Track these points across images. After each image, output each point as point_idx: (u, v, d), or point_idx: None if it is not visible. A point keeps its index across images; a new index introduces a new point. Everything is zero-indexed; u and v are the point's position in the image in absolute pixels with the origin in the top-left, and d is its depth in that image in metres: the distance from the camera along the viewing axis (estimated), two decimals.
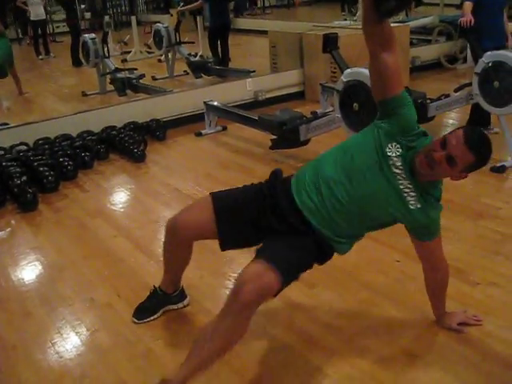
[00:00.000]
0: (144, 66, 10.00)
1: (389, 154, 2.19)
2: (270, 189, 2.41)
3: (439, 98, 4.87)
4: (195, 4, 9.33)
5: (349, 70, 4.01)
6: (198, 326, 2.73)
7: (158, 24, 9.27)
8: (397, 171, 2.19)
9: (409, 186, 2.19)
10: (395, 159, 2.19)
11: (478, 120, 4.99)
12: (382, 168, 2.19)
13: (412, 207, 2.21)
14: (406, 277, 3.03)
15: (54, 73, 11.35)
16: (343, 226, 2.28)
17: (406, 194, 2.20)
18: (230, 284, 2.87)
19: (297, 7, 20.03)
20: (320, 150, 4.70)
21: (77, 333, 2.76)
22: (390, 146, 2.20)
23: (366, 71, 3.75)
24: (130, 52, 10.79)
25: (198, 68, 8.45)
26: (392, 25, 2.21)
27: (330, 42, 4.40)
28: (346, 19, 11.26)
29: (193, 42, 9.43)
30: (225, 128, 6.02)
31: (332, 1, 16.85)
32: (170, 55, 9.13)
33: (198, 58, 8.55)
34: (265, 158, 5.09)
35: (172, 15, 10.96)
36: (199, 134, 5.93)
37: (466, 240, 3.41)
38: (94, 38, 8.10)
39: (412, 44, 8.30)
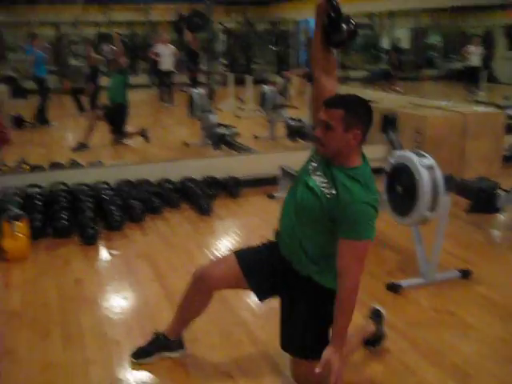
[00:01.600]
0: (254, 123, 10.47)
1: (311, 163, 2.52)
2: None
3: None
4: (299, 70, 9.66)
5: (397, 153, 4.07)
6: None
7: (265, 86, 9.67)
8: (311, 169, 2.49)
9: (324, 180, 2.41)
10: (313, 164, 2.51)
11: None
12: (306, 181, 2.49)
13: (328, 196, 2.37)
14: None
15: (169, 120, 12.10)
16: (309, 248, 2.51)
17: (321, 186, 2.42)
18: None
19: (424, 81, 19.94)
20: (382, 229, 4.81)
21: None
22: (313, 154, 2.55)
23: (413, 156, 3.82)
24: (243, 109, 11.35)
25: (294, 132, 8.69)
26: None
27: (388, 122, 4.48)
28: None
29: (296, 107, 9.73)
30: None
31: (459, 79, 16.67)
32: (273, 117, 9.47)
33: (295, 123, 8.80)
34: None
35: (283, 78, 11.37)
36: (271, 197, 6.12)
37: (485, 341, 3.30)
38: (200, 93, 8.65)
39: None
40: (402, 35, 15.63)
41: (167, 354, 3.01)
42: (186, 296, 2.87)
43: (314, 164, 2.51)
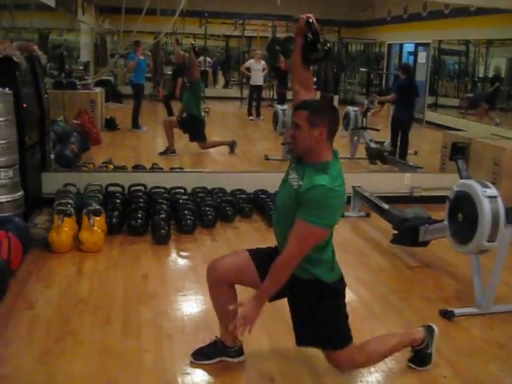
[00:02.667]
0: (336, 144, 10.44)
1: (290, 165, 2.76)
2: None
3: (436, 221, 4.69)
4: (388, 97, 9.68)
5: (461, 181, 4.09)
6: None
7: (349, 107, 9.75)
8: (290, 172, 2.72)
9: (295, 176, 2.64)
10: (292, 165, 2.74)
11: None
12: (285, 180, 2.75)
13: (296, 187, 2.60)
14: None
15: (254, 134, 12.34)
16: None
17: (291, 181, 2.65)
18: None
19: None
20: (445, 256, 4.79)
21: None
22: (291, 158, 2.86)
23: (477, 185, 3.84)
24: None
25: (374, 155, 8.72)
26: None
27: (457, 151, 4.48)
28: None
29: (378, 130, 9.73)
30: (368, 215, 6.20)
31: None
32: (354, 138, 9.53)
33: (375, 145, 8.83)
34: (386, 250, 5.21)
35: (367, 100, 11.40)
36: (341, 216, 6.18)
37: None
38: (286, 109, 8.87)
39: None
40: (499, 64, 15.25)
41: (227, 359, 3.13)
42: (211, 298, 3.07)
43: (292, 165, 2.75)
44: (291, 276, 2.65)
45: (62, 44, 13.34)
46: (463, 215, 3.92)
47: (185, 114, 9.09)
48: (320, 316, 2.76)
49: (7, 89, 4.75)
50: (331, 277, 2.75)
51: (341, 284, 2.83)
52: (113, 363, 3.10)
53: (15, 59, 5.02)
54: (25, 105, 5.12)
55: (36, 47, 6.03)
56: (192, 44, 8.80)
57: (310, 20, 2.75)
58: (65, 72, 12.17)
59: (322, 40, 2.78)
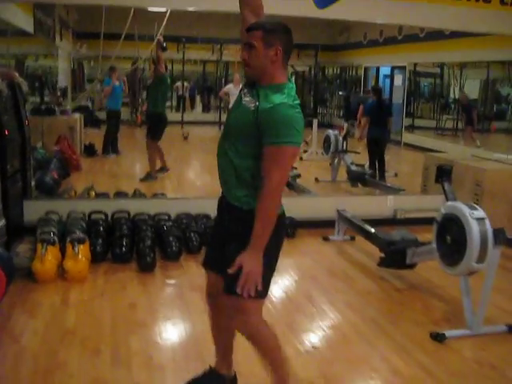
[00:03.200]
0: (316, 166, 10.59)
1: (242, 91, 2.64)
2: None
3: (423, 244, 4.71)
4: (363, 121, 9.77)
5: (449, 203, 4.11)
6: None
7: (330, 131, 9.83)
8: (243, 96, 2.60)
9: (250, 99, 2.54)
10: (244, 91, 2.62)
11: None
12: (238, 104, 2.61)
13: (252, 108, 2.49)
14: None
15: None
16: (241, 171, 2.55)
17: (246, 104, 2.53)
18: None
19: (491, 133, 19.57)
20: (432, 278, 4.81)
21: None
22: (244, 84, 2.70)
23: (465, 207, 3.86)
24: (306, 151, 11.53)
25: (356, 178, 8.77)
26: None
27: (442, 173, 4.53)
28: None
29: (358, 153, 9.81)
30: (353, 238, 6.18)
31: None
32: (335, 161, 9.57)
33: (357, 168, 8.87)
34: (373, 273, 5.20)
35: (347, 124, 11.51)
36: (326, 239, 6.18)
37: None
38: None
39: None
40: (472, 86, 15.53)
41: None
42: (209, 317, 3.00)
43: (244, 91, 2.63)
44: (232, 208, 2.61)
45: (40, 70, 13.24)
46: (452, 237, 3.94)
47: (149, 111, 9.05)
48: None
49: None
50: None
51: (284, 219, 2.69)
52: None
53: None
54: (6, 132, 5.06)
55: (17, 74, 5.98)
56: (158, 39, 8.65)
57: None
58: (42, 98, 12.08)
59: None
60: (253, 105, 2.50)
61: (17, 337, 3.65)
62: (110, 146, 11.23)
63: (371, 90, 10.81)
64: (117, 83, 11.22)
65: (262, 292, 2.58)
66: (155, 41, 8.69)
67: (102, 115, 14.01)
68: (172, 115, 13.50)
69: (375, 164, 9.19)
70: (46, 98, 11.97)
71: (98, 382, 3.15)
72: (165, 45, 8.83)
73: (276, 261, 2.71)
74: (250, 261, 2.44)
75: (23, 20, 9.14)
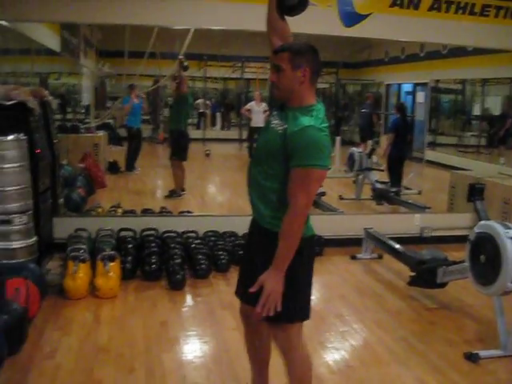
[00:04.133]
0: (340, 184, 10.55)
1: (271, 115, 2.64)
2: None
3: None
4: (389, 137, 9.75)
5: (482, 222, 4.08)
6: None
7: (354, 148, 9.81)
8: (272, 119, 2.59)
9: (278, 122, 2.54)
10: (273, 113, 2.63)
11: None
12: (267, 127, 2.61)
13: (280, 131, 2.49)
14: None
15: None
16: (269, 195, 2.56)
17: (275, 127, 2.53)
18: None
19: None
20: (462, 297, 4.76)
21: None
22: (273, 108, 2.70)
23: (499, 226, 3.83)
24: (330, 168, 11.47)
25: (381, 195, 8.74)
26: None
27: (475, 192, 4.50)
28: None
29: (382, 170, 9.77)
30: (380, 256, 6.16)
31: None
32: (359, 179, 9.54)
33: (382, 186, 8.84)
34: (402, 291, 5.16)
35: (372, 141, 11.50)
36: (354, 258, 6.16)
37: None
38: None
39: None
40: (493, 103, 15.45)
41: None
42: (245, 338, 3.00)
43: (273, 113, 2.63)
44: (261, 231, 2.62)
45: (63, 88, 13.40)
46: (486, 256, 3.91)
47: (171, 128, 9.09)
48: (291, 274, 2.51)
49: (22, 134, 4.75)
50: (305, 231, 2.55)
51: (313, 240, 2.73)
52: None
53: (29, 105, 5.03)
54: (38, 150, 5.12)
55: (47, 92, 6.06)
56: (180, 59, 8.71)
57: None
58: (65, 115, 12.24)
59: None
60: (281, 128, 2.51)
61: (52, 352, 3.68)
62: (134, 162, 11.30)
63: (395, 107, 10.81)
64: (136, 101, 11.29)
65: (305, 313, 2.65)
66: (177, 61, 8.75)
67: (124, 133, 14.16)
68: (193, 132, 13.55)
69: (399, 181, 9.17)
70: (69, 116, 12.10)
71: None
72: (186, 64, 8.91)
73: (307, 282, 2.72)
74: (271, 280, 2.45)
75: (51, 39, 9.27)
